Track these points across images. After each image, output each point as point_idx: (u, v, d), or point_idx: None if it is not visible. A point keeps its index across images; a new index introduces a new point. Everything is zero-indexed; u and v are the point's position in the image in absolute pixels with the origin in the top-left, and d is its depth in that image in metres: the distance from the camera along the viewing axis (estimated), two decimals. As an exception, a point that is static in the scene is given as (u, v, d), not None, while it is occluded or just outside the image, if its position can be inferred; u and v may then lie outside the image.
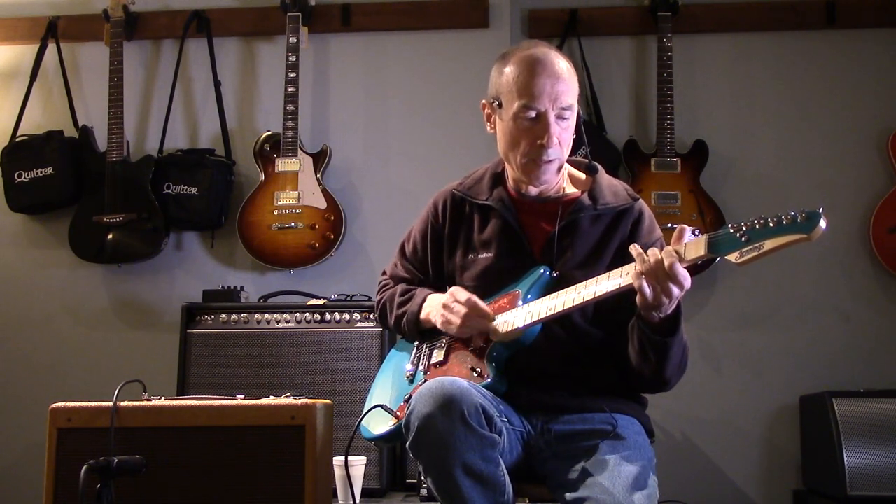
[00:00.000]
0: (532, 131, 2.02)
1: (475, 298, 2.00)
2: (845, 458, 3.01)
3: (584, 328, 2.01)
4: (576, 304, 1.87)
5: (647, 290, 1.76)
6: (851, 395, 3.14)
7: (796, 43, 3.73)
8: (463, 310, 1.99)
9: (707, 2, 3.75)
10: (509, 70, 2.05)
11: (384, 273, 2.34)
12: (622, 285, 1.81)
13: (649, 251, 1.78)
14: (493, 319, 1.98)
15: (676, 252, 1.75)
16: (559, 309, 1.90)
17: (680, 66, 3.62)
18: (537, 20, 3.79)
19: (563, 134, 2.04)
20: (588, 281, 1.88)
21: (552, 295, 1.94)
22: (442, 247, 2.18)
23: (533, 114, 2.01)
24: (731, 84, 3.74)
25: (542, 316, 1.92)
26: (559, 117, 2.02)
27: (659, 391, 2.03)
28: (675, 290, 1.76)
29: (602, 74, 3.74)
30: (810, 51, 3.72)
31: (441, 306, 2.04)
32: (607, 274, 1.86)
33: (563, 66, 2.03)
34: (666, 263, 1.73)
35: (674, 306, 1.82)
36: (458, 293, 2.02)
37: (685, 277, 1.76)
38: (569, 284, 1.93)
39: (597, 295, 1.85)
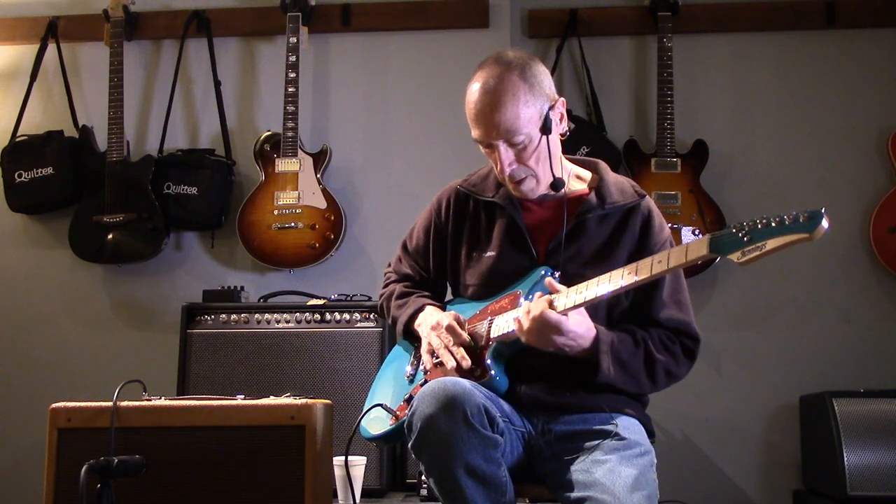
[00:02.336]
0: (493, 158, 2.04)
1: (458, 331, 1.99)
2: (845, 458, 3.01)
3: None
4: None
5: (524, 338, 1.88)
6: (851, 395, 3.14)
7: (796, 43, 3.72)
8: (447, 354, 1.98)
9: (707, 2, 3.75)
10: (467, 96, 2.03)
11: (388, 265, 2.35)
12: (624, 286, 1.79)
13: (522, 311, 1.88)
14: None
15: (549, 301, 1.85)
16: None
17: (680, 66, 3.62)
18: (537, 20, 3.79)
19: (521, 155, 2.01)
20: (589, 282, 1.86)
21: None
22: (445, 244, 2.18)
23: (485, 146, 2.03)
24: (731, 84, 3.74)
25: None
26: (509, 144, 2.00)
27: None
28: (558, 339, 1.86)
29: (602, 74, 3.74)
30: (810, 51, 3.72)
31: (430, 337, 2.04)
32: (608, 275, 1.83)
33: (503, 92, 1.96)
34: (535, 312, 1.85)
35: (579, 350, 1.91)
36: (445, 330, 2.01)
37: (556, 323, 1.84)
38: (573, 285, 1.90)
39: (598, 295, 1.83)
